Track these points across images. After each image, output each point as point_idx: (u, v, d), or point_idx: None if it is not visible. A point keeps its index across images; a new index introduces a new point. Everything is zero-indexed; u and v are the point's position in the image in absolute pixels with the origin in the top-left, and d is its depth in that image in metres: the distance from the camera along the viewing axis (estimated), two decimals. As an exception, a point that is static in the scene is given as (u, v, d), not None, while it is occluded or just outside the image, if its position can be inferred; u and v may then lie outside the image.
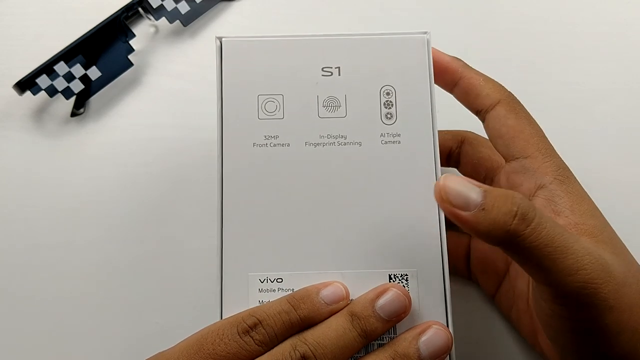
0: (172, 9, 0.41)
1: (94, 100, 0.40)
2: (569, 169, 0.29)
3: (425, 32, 0.29)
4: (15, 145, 0.39)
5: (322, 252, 0.27)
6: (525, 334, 0.33)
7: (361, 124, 0.28)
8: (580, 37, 0.42)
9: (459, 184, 0.24)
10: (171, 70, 0.41)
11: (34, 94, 0.38)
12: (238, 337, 0.25)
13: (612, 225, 0.28)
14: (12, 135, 0.39)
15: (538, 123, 0.30)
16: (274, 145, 0.28)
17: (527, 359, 0.35)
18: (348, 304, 0.26)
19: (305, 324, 0.26)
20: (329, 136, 0.28)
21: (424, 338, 0.26)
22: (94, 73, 0.39)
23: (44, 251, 0.37)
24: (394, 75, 0.29)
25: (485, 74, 0.31)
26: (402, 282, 0.27)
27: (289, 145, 0.28)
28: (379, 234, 0.27)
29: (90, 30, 0.39)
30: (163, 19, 0.41)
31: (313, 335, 0.25)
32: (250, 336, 0.25)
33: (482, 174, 0.34)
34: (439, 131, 0.28)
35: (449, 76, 0.30)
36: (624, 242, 0.28)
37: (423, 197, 0.27)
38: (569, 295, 0.24)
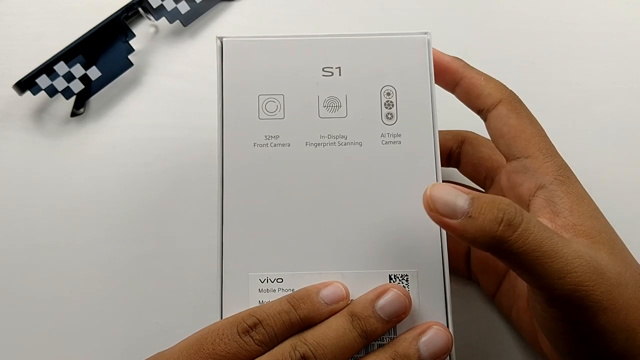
0: (172, 9, 0.41)
1: (94, 100, 0.40)
2: (570, 169, 0.29)
3: (425, 33, 0.29)
4: (15, 145, 0.39)
5: (323, 252, 0.27)
6: (525, 334, 0.33)
7: (362, 124, 0.28)
8: (580, 37, 0.42)
9: (445, 192, 0.25)
10: (171, 70, 0.41)
11: (34, 94, 0.38)
12: (238, 337, 0.25)
13: (612, 225, 0.28)
14: (12, 135, 0.39)
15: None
16: (275, 145, 0.28)
17: (527, 359, 0.35)
18: (348, 304, 0.26)
19: (305, 324, 0.26)
20: (329, 136, 0.28)
21: (424, 338, 0.26)
22: (94, 73, 0.39)
23: (44, 251, 0.37)
24: (394, 76, 0.29)
25: (486, 73, 0.31)
26: (402, 283, 0.27)
27: (289, 145, 0.28)
28: (379, 234, 0.27)
29: (90, 30, 0.39)
30: (163, 19, 0.41)
31: (313, 336, 0.25)
32: (250, 336, 0.25)
33: (482, 173, 0.34)
34: (439, 131, 0.28)
35: (450, 76, 0.30)
36: (624, 242, 0.28)
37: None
38: (561, 298, 0.24)
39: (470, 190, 0.25)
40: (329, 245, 0.27)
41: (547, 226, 0.25)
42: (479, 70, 0.31)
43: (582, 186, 0.28)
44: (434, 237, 0.27)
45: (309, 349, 0.24)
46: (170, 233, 0.37)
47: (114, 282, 0.36)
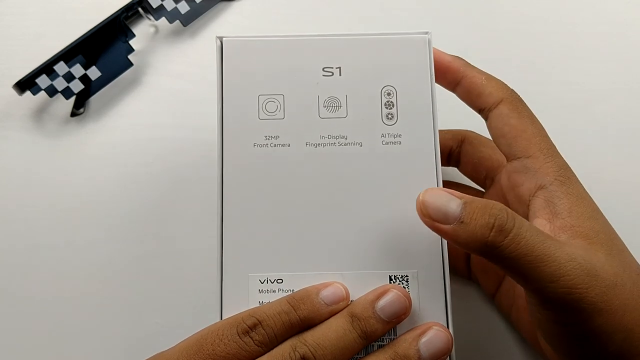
0: (172, 9, 0.41)
1: (94, 100, 0.40)
2: (571, 170, 0.29)
3: (426, 32, 0.29)
4: (15, 145, 0.39)
5: (323, 253, 0.27)
6: (525, 333, 0.33)
7: (362, 125, 0.28)
8: (580, 37, 0.42)
9: (437, 197, 0.25)
10: (171, 70, 0.41)
11: (34, 94, 0.38)
12: (238, 337, 0.25)
13: (612, 225, 0.28)
14: (12, 135, 0.39)
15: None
16: (275, 145, 0.28)
17: (527, 359, 0.35)
18: (348, 304, 0.26)
19: (305, 324, 0.26)
20: (329, 136, 0.28)
21: (424, 339, 0.26)
22: (94, 73, 0.39)
23: (44, 251, 0.37)
24: (395, 76, 0.28)
25: (487, 73, 0.31)
26: (402, 283, 0.27)
27: (289, 145, 0.28)
28: (379, 235, 0.27)
29: (90, 30, 0.39)
30: (163, 19, 0.41)
31: (313, 336, 0.25)
32: (249, 337, 0.25)
33: (482, 173, 0.34)
34: (438, 130, 0.28)
35: (451, 75, 0.30)
36: (624, 242, 0.28)
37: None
38: (555, 301, 0.25)
39: (463, 195, 0.26)
40: (329, 245, 0.27)
41: (541, 230, 0.25)
42: (480, 70, 0.31)
43: (582, 187, 0.28)
44: (434, 238, 0.27)
45: (309, 349, 0.24)
46: (170, 233, 0.37)
47: (114, 282, 0.36)
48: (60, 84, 0.38)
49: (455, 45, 0.34)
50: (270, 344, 0.25)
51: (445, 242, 0.28)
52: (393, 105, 0.28)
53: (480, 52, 0.39)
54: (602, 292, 0.25)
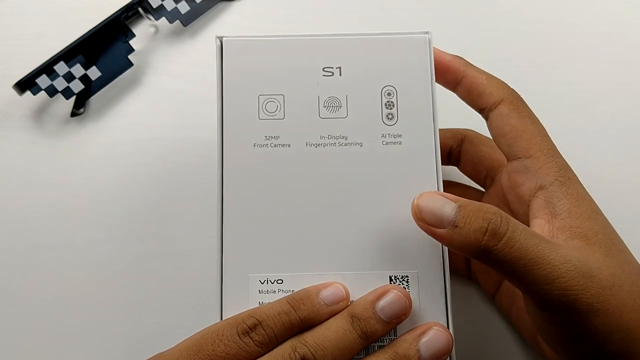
0: (172, 9, 0.41)
1: (94, 100, 0.40)
2: (571, 170, 0.29)
3: (426, 32, 0.29)
4: (15, 145, 0.39)
5: (323, 253, 0.27)
6: (525, 333, 0.33)
7: (362, 125, 0.28)
8: (580, 37, 0.42)
9: (432, 201, 0.25)
10: (171, 70, 0.41)
11: (34, 94, 0.38)
12: (237, 338, 0.25)
13: (612, 225, 0.28)
14: (12, 135, 0.39)
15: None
16: (275, 145, 0.28)
17: (527, 359, 0.35)
18: (348, 305, 0.26)
19: (305, 325, 0.26)
20: (329, 137, 0.28)
21: (424, 339, 0.26)
22: (94, 73, 0.39)
23: (44, 251, 0.37)
24: (395, 76, 0.28)
25: (488, 72, 0.31)
26: (402, 284, 0.27)
27: (289, 145, 0.28)
28: (379, 235, 0.27)
29: (90, 30, 0.39)
30: (163, 19, 0.41)
31: (313, 337, 0.25)
32: (249, 337, 0.25)
33: (482, 172, 0.34)
34: (438, 129, 0.28)
35: (451, 75, 0.30)
36: (624, 242, 0.28)
37: (424, 198, 0.27)
38: (550, 303, 0.25)
39: (458, 198, 0.26)
40: (329, 246, 0.27)
41: (536, 233, 0.25)
42: (480, 69, 0.31)
43: (582, 187, 0.28)
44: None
45: (309, 350, 0.24)
46: (170, 233, 0.37)
47: (114, 282, 0.36)
48: (60, 84, 0.38)
49: (455, 45, 0.34)
50: (270, 345, 0.25)
51: (445, 242, 0.28)
52: (393, 105, 0.28)
53: (480, 52, 0.39)
54: (598, 293, 0.25)
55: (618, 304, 0.25)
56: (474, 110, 0.31)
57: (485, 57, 0.33)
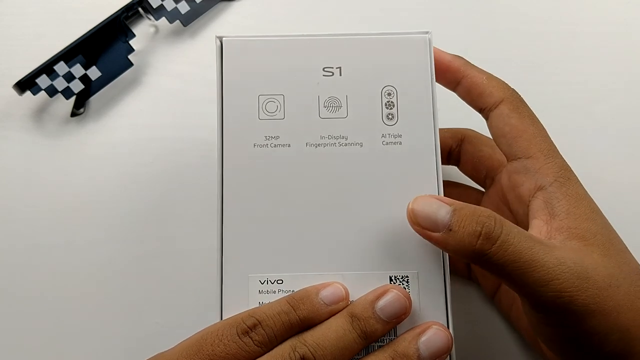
0: (172, 9, 0.41)
1: (94, 100, 0.40)
2: (571, 170, 0.29)
3: (426, 32, 0.29)
4: (15, 145, 0.39)
5: (323, 254, 0.27)
6: (524, 333, 0.33)
7: (362, 125, 0.28)
8: (580, 37, 0.42)
9: (427, 205, 0.26)
10: (171, 70, 0.41)
11: (34, 94, 0.38)
12: (237, 337, 0.25)
13: (612, 225, 0.28)
14: (12, 135, 0.39)
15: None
16: (275, 145, 0.28)
17: (527, 359, 0.35)
18: (348, 304, 0.26)
19: (305, 324, 0.26)
20: (329, 137, 0.28)
21: (423, 338, 0.26)
22: (94, 73, 0.39)
23: (44, 251, 0.37)
24: (395, 76, 0.28)
25: (488, 72, 0.31)
26: (402, 284, 0.27)
27: (289, 145, 0.28)
28: (379, 235, 0.27)
29: (90, 30, 0.39)
30: (163, 19, 0.41)
31: (313, 337, 0.25)
32: (249, 337, 0.25)
33: (482, 172, 0.34)
34: (438, 129, 0.28)
35: (451, 75, 0.30)
36: (624, 242, 0.28)
37: (424, 198, 0.27)
38: (546, 305, 0.25)
39: (453, 201, 0.26)
40: (329, 246, 0.27)
41: (531, 235, 0.26)
42: (480, 69, 0.31)
43: (582, 187, 0.28)
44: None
45: (309, 350, 0.24)
46: (170, 233, 0.37)
47: (114, 282, 0.36)
48: (60, 84, 0.38)
49: (455, 45, 0.34)
50: (270, 344, 0.25)
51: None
52: (393, 105, 0.28)
53: (480, 52, 0.39)
54: (594, 294, 0.25)
55: (615, 304, 0.25)
56: (474, 110, 0.31)
57: (485, 57, 0.33)
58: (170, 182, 0.38)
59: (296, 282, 0.27)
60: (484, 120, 0.31)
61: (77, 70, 0.39)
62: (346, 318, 0.25)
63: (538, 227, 0.27)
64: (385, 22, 0.42)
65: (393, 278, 0.27)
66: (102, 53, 0.39)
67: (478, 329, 0.35)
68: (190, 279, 0.36)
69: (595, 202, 0.29)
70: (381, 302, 0.26)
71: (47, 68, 0.38)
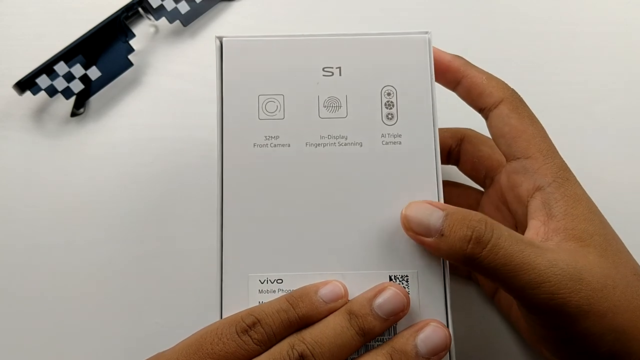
0: (172, 9, 0.41)
1: (94, 100, 0.40)
2: (570, 171, 0.29)
3: (426, 32, 0.29)
4: (15, 145, 0.39)
5: (323, 253, 0.27)
6: (524, 333, 0.33)
7: (362, 125, 0.28)
8: (580, 37, 0.42)
9: (419, 211, 0.26)
10: (171, 70, 0.41)
11: (34, 94, 0.38)
12: (236, 336, 0.25)
13: (612, 225, 0.28)
14: (12, 135, 0.39)
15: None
16: (275, 145, 0.28)
17: (527, 359, 0.35)
18: (347, 302, 0.26)
19: (304, 322, 0.25)
20: (329, 137, 0.28)
21: (421, 335, 0.26)
22: (94, 73, 0.39)
23: (44, 251, 0.37)
24: (395, 76, 0.28)
25: (488, 72, 0.31)
26: (402, 284, 0.27)
27: (289, 145, 0.28)
28: (379, 235, 0.27)
29: (90, 30, 0.39)
30: (163, 19, 0.41)
31: (311, 334, 0.25)
32: (248, 335, 0.25)
33: (482, 172, 0.34)
34: (438, 129, 0.28)
35: (451, 75, 0.30)
36: (624, 242, 0.28)
37: (423, 198, 0.27)
38: (539, 307, 0.25)
39: (447, 206, 0.26)
40: (329, 245, 0.27)
41: (522, 238, 0.26)
42: (480, 69, 0.31)
43: (581, 188, 0.28)
44: (433, 237, 0.27)
45: (307, 347, 0.24)
46: (170, 233, 0.37)
47: (114, 282, 0.36)
48: (60, 84, 0.38)
49: (455, 45, 0.34)
50: (269, 343, 0.25)
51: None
52: (393, 105, 0.28)
53: (480, 52, 0.39)
54: (588, 296, 0.25)
55: (611, 305, 0.25)
56: (473, 110, 0.31)
57: (485, 57, 0.33)
58: (170, 182, 0.38)
59: (296, 281, 0.27)
60: (484, 120, 0.31)
61: (77, 70, 0.39)
62: (344, 315, 0.25)
63: (535, 228, 0.27)
64: (385, 22, 0.42)
65: (393, 278, 0.27)
66: (102, 53, 0.39)
67: (478, 328, 0.35)
68: (190, 279, 0.36)
69: (595, 202, 0.29)
70: (379, 300, 0.26)
71: (47, 68, 0.38)
